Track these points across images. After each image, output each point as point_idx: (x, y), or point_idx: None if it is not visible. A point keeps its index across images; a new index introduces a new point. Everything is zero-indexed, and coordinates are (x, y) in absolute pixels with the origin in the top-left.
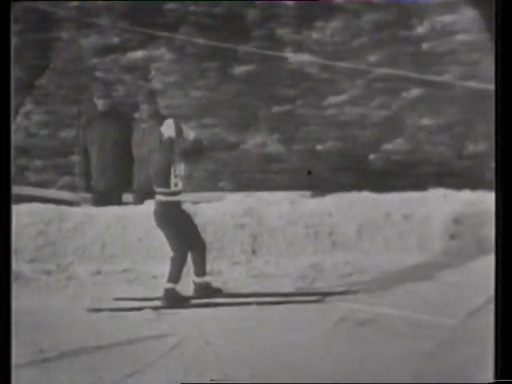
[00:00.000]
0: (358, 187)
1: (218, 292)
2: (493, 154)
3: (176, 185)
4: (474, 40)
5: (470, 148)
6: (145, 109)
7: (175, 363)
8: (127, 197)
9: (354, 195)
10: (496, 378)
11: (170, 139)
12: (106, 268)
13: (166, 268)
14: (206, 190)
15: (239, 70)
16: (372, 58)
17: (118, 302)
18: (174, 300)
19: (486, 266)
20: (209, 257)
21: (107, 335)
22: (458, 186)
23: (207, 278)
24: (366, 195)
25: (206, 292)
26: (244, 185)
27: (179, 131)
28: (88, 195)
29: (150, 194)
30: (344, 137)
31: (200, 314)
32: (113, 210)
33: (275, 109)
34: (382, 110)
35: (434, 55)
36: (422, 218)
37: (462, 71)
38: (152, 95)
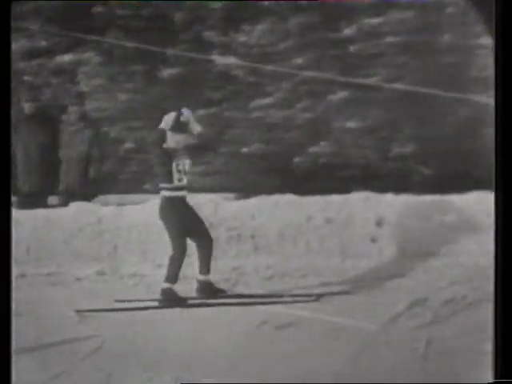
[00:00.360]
0: (282, 190)
1: (220, 292)
2: (420, 156)
3: (180, 180)
4: (401, 42)
5: (395, 150)
6: (73, 111)
7: (96, 366)
8: (52, 199)
9: (277, 198)
10: (496, 378)
11: (161, 130)
12: (31, 271)
13: (91, 270)
14: (131, 192)
15: (166, 72)
16: (298, 61)
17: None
18: (171, 300)
19: (408, 269)
20: (133, 259)
21: (32, 337)
22: (382, 188)
23: (210, 278)
24: (290, 198)
25: (209, 291)
26: None
27: (182, 125)
28: (13, 198)
29: (76, 197)
30: (269, 139)
31: (125, 317)
32: (38, 212)
33: (201, 111)
34: (308, 112)
35: (361, 58)
36: (344, 221)
37: (388, 73)
38: (80, 98)
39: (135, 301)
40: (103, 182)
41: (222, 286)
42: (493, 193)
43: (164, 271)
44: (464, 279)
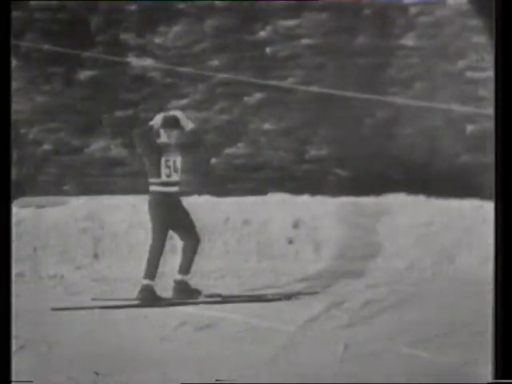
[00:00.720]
0: (200, 191)
1: (196, 293)
2: (336, 157)
3: (168, 176)
4: (317, 44)
5: (311, 152)
6: None
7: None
8: None
9: (194, 199)
10: (496, 378)
11: (150, 127)
12: None
13: None
14: (51, 194)
15: (83, 75)
16: (215, 63)
17: None
18: (149, 297)
19: (324, 271)
20: (52, 260)
21: None
22: (298, 190)
23: (187, 278)
24: (207, 199)
25: (185, 292)
26: (87, 189)
27: (173, 122)
28: None
29: None
30: None
31: (42, 318)
32: None
33: (118, 113)
34: (224, 114)
35: (276, 59)
36: (261, 222)
37: (304, 75)
38: None
39: (113, 300)
40: (22, 184)
41: (139, 287)
42: (493, 201)
43: (84, 272)
44: (382, 282)
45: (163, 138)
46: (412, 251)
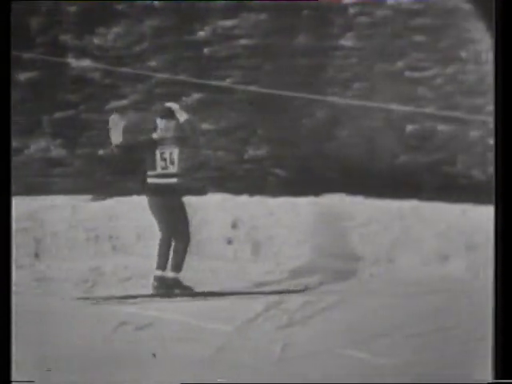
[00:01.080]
0: (139, 191)
1: (187, 289)
2: (275, 158)
3: (164, 168)
4: (255, 44)
5: (250, 152)
6: None
7: None
8: None
9: (134, 199)
10: (496, 378)
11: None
12: None
13: None
14: None
15: (23, 76)
16: (153, 63)
17: None
18: (162, 288)
19: (263, 272)
20: None
21: None
22: (237, 190)
23: (180, 275)
24: (145, 199)
25: (177, 289)
26: (28, 189)
27: (169, 113)
28: None
29: None
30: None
31: None
32: None
33: (58, 114)
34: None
35: (215, 60)
36: (200, 222)
37: (243, 76)
38: None
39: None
40: None
41: (80, 287)
42: (493, 206)
43: (25, 272)
44: (317, 282)
45: (159, 129)
46: (350, 251)
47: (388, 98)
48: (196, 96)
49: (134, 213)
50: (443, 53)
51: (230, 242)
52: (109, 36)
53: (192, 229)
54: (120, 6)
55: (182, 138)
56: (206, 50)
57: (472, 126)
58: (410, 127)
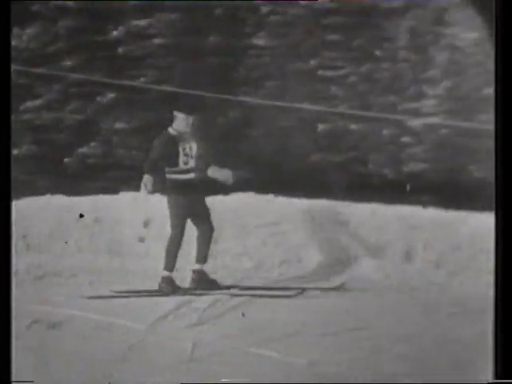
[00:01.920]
0: (52, 190)
1: (212, 283)
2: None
3: (186, 163)
4: (168, 44)
5: None
6: None
7: None
8: None
9: (47, 198)
10: (496, 378)
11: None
12: None
13: None
14: None
15: None
16: (68, 63)
17: None
18: (169, 288)
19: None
20: None
21: None
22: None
23: (205, 267)
24: (60, 198)
25: (202, 281)
26: None
27: (187, 107)
28: None
29: None
30: (40, 141)
31: None
32: None
33: None
34: (78, 114)
35: (129, 59)
36: (112, 220)
37: (156, 75)
38: None
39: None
40: None
41: None
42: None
43: None
44: (231, 281)
45: (179, 125)
46: (260, 250)
47: (301, 97)
48: (110, 95)
49: (47, 211)
50: (357, 51)
51: (141, 240)
52: (23, 37)
53: (104, 227)
54: (34, 7)
55: (199, 132)
56: (120, 50)
57: (385, 124)
58: (321, 126)
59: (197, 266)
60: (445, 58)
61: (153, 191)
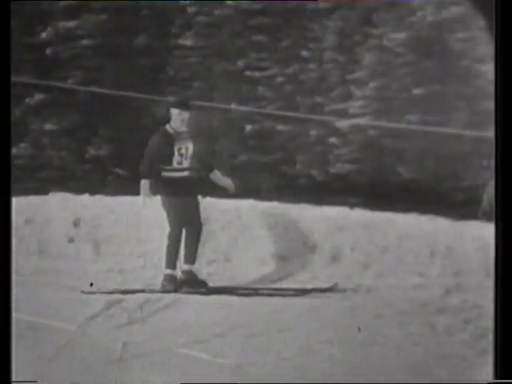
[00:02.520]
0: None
1: (202, 284)
2: (116, 157)
3: (180, 163)
4: (96, 45)
5: (92, 152)
6: None
7: None
8: None
9: None
10: (496, 378)
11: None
12: None
13: None
14: None
15: None
16: None
17: None
18: (172, 286)
19: (104, 270)
20: None
21: None
22: (78, 190)
23: (194, 268)
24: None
25: (191, 283)
26: None
27: (184, 104)
28: None
29: None
30: None
31: None
32: None
33: None
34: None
35: (57, 60)
36: (42, 221)
37: (84, 76)
38: None
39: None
40: None
41: None
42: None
43: None
44: (157, 282)
45: (175, 122)
46: None
47: (228, 97)
48: (38, 97)
49: None
50: (284, 52)
51: (71, 240)
52: None
53: (34, 227)
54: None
55: (196, 132)
56: (48, 51)
57: (312, 125)
58: (249, 127)
59: (185, 267)
60: (372, 59)
61: (151, 196)
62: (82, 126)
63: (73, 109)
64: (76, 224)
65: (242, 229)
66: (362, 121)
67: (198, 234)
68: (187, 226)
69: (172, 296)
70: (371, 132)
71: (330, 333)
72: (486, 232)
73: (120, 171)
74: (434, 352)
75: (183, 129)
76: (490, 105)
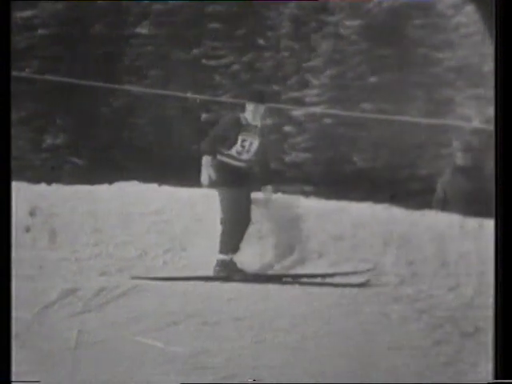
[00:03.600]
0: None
1: (240, 272)
2: (72, 146)
3: (239, 153)
4: (53, 34)
5: (48, 141)
6: None
7: None
8: None
9: None
10: (496, 378)
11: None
12: None
13: None
14: None
15: None
16: None
17: None
18: (228, 272)
19: (60, 258)
20: None
21: None
22: (35, 179)
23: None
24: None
25: (230, 271)
26: None
27: (259, 97)
28: None
29: None
30: None
31: None
32: None
33: None
34: None
35: (14, 50)
36: None
37: (41, 65)
38: None
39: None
40: None
41: None
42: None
43: None
44: (114, 270)
45: (249, 115)
46: (144, 239)
47: (184, 86)
48: None
49: None
50: (240, 41)
51: (27, 230)
52: None
53: None
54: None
55: (266, 130)
56: None
57: (268, 114)
58: (205, 115)
59: (224, 256)
60: (328, 47)
61: (213, 173)
62: (39, 116)
63: (29, 98)
64: (32, 213)
65: (197, 218)
66: (317, 109)
67: (246, 228)
68: (238, 216)
69: (128, 284)
70: (327, 120)
71: (285, 321)
72: (440, 221)
73: (76, 160)
74: (388, 341)
75: (256, 123)
76: (447, 93)
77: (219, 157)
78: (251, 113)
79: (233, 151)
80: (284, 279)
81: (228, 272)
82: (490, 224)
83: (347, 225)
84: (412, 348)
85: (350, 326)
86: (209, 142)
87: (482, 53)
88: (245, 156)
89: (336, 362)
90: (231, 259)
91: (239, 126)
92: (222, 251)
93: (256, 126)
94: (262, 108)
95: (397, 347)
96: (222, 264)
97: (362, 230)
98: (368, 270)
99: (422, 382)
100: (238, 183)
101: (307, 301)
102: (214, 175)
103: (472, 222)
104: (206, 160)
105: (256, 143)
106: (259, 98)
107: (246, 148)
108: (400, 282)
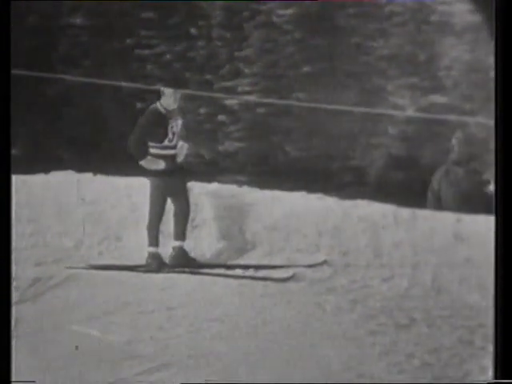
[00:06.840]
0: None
1: (192, 261)
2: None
3: (170, 140)
4: None
5: None
6: None
7: None
8: None
9: None
10: (496, 378)
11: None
12: None
13: None
14: None
15: None
16: None
17: None
18: (156, 264)
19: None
20: None
21: None
22: None
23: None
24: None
25: (182, 259)
26: None
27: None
28: None
29: None
30: None
31: None
32: None
33: None
34: None
35: None
36: None
37: None
38: None
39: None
40: None
41: None
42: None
43: None
44: (49, 260)
45: (166, 100)
46: (80, 229)
47: (118, 75)
48: None
49: None
50: (172, 30)
51: None
52: None
53: None
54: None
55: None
56: None
57: (201, 103)
58: (139, 105)
59: (176, 243)
60: (261, 36)
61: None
62: None
63: None
64: None
65: (133, 207)
66: (250, 98)
67: (187, 214)
68: (176, 204)
69: (64, 273)
70: (260, 110)
71: (218, 311)
72: (374, 212)
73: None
74: (322, 332)
75: (174, 106)
76: (380, 82)
77: (152, 150)
78: (171, 97)
79: (165, 141)
80: (217, 270)
81: (157, 264)
82: (423, 214)
83: (280, 215)
84: (346, 338)
85: (283, 316)
86: (136, 147)
87: (416, 41)
88: (175, 140)
89: (270, 352)
90: (181, 247)
91: (163, 117)
92: (149, 244)
93: (175, 109)
94: (178, 94)
95: (330, 337)
96: (151, 256)
97: (296, 219)
98: (323, 262)
99: (422, 383)
100: (175, 172)
101: (240, 291)
102: (162, 164)
103: (405, 212)
104: (145, 163)
105: (180, 123)
106: (178, 84)
107: (175, 132)
108: (334, 273)
